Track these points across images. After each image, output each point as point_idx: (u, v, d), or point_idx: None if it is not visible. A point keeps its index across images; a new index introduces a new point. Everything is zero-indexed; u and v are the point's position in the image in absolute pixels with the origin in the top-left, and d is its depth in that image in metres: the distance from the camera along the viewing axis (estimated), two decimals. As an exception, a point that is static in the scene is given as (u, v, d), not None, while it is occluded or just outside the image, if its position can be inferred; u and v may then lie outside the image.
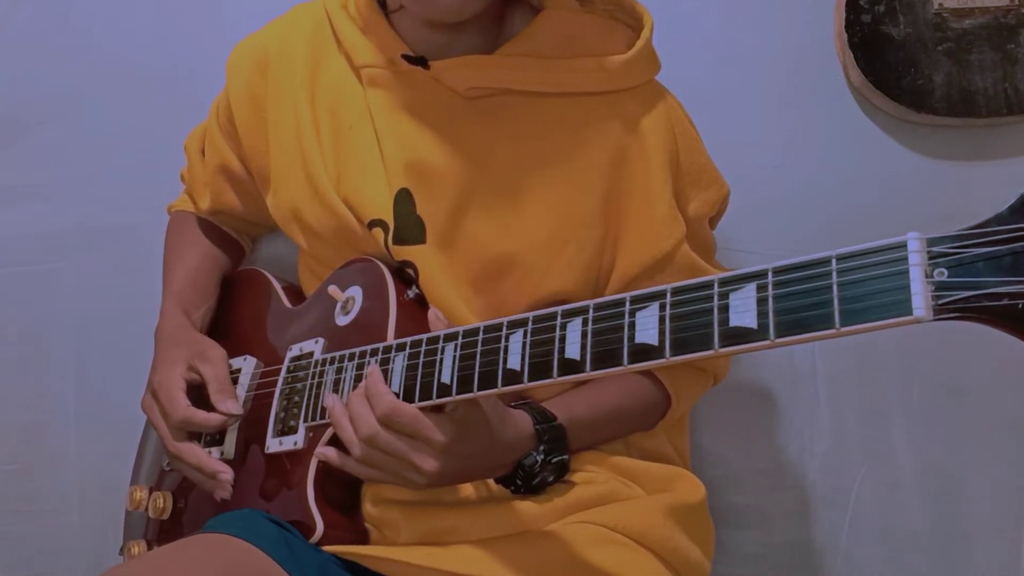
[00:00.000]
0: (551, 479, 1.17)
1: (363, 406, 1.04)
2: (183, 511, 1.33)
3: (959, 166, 1.57)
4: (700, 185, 1.24)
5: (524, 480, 1.15)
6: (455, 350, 1.01)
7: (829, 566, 1.58)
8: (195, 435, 1.26)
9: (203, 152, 1.43)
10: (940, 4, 1.49)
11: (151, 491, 1.35)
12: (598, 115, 1.20)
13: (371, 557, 1.12)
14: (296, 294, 1.40)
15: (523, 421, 1.13)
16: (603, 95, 1.21)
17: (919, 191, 1.56)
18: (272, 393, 1.24)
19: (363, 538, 1.20)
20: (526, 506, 1.19)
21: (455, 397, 0.99)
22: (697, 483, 1.30)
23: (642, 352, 0.84)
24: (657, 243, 1.19)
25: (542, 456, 1.14)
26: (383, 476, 1.06)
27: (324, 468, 1.16)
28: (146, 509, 1.34)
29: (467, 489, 1.23)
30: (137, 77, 1.66)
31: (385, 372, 1.08)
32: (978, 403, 1.56)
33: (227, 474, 1.20)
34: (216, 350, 1.28)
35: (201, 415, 1.21)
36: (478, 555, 1.14)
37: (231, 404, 1.22)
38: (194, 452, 1.22)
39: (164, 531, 1.34)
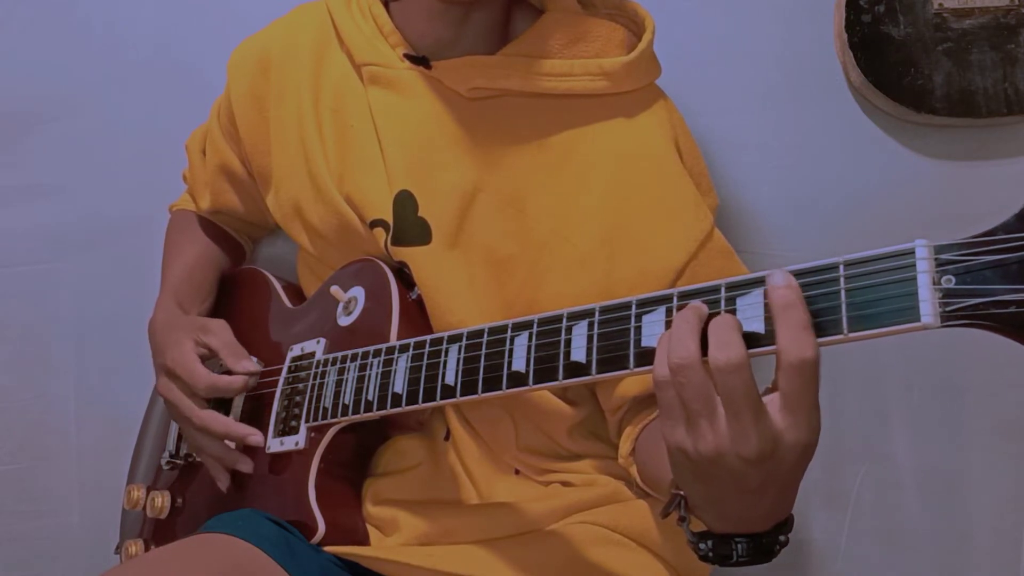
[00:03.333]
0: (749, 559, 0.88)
1: (686, 331, 0.79)
2: (181, 510, 1.33)
3: (959, 166, 1.57)
4: (700, 190, 1.24)
5: (755, 548, 0.86)
6: (459, 352, 1.01)
7: (829, 566, 1.58)
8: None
9: (204, 152, 1.43)
10: (940, 4, 1.49)
11: (148, 490, 1.35)
12: (599, 116, 1.21)
13: (371, 558, 1.12)
14: (296, 294, 1.40)
15: None
16: (603, 97, 1.21)
17: (919, 191, 1.56)
18: (272, 393, 1.24)
19: (364, 538, 1.20)
20: (526, 507, 1.19)
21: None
22: None
23: (648, 356, 0.84)
24: (696, 225, 1.18)
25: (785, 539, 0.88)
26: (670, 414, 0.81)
27: (325, 468, 1.16)
28: (143, 508, 1.34)
29: (467, 489, 1.23)
30: (140, 76, 1.66)
31: (388, 373, 1.09)
32: (978, 403, 1.56)
33: (257, 435, 1.20)
34: (216, 321, 1.30)
35: (225, 379, 1.22)
36: (478, 555, 1.14)
37: (247, 364, 1.23)
38: (220, 420, 1.22)
39: (161, 530, 1.34)
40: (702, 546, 0.86)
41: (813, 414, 0.77)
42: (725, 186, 1.51)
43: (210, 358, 1.26)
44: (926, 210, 1.55)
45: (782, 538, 0.86)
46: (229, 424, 1.22)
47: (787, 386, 0.75)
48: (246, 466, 1.22)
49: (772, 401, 0.77)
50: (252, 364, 1.24)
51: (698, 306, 0.81)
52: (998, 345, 0.75)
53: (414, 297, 1.19)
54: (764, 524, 0.85)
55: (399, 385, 1.07)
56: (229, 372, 1.24)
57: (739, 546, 0.85)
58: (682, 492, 0.87)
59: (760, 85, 1.58)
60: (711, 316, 0.80)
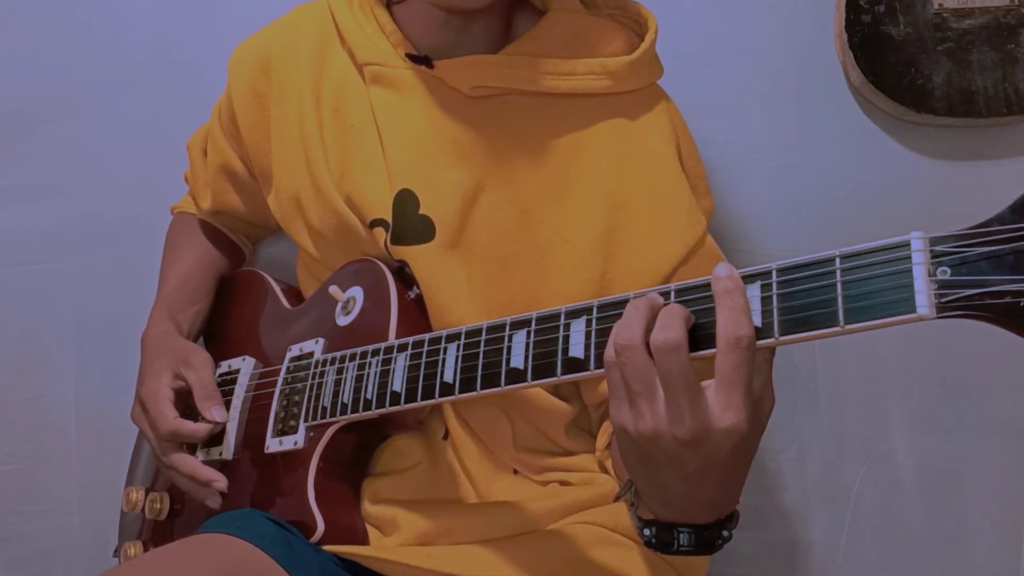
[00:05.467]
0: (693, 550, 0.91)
1: (635, 317, 0.83)
2: (180, 512, 1.33)
3: (959, 166, 1.57)
4: (697, 192, 1.24)
5: (697, 540, 0.90)
6: (457, 350, 1.01)
7: (829, 566, 1.58)
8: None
9: (205, 153, 1.43)
10: (940, 4, 1.49)
11: (147, 492, 1.35)
12: (601, 116, 1.21)
13: (371, 558, 1.12)
14: (295, 295, 1.40)
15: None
16: (606, 96, 1.21)
17: (919, 191, 1.56)
18: (271, 393, 1.24)
19: (363, 538, 1.19)
20: (526, 507, 1.19)
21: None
22: None
23: (646, 351, 0.84)
24: (688, 230, 1.19)
25: (728, 534, 0.91)
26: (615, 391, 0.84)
27: (324, 468, 1.16)
28: (143, 510, 1.34)
29: (466, 488, 1.23)
30: (140, 76, 1.67)
31: (387, 372, 1.09)
32: (978, 403, 1.56)
33: (222, 482, 1.21)
34: (200, 355, 1.29)
35: (189, 427, 1.22)
36: (478, 555, 1.14)
37: (216, 411, 1.23)
38: (187, 462, 1.23)
39: (160, 532, 1.34)
40: (646, 532, 0.90)
41: (749, 402, 0.80)
42: (725, 186, 1.52)
43: (185, 392, 1.26)
44: (926, 210, 1.56)
45: (725, 533, 0.89)
46: (195, 468, 1.22)
47: (723, 365, 0.79)
48: (214, 502, 1.22)
49: (710, 386, 0.80)
50: (221, 412, 1.23)
51: (652, 297, 0.84)
52: (998, 345, 0.75)
53: (413, 296, 1.19)
54: (706, 516, 0.88)
55: (398, 383, 1.07)
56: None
57: (681, 536, 0.89)
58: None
59: (760, 85, 1.59)
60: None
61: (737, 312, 0.78)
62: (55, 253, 1.67)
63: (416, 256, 1.19)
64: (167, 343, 1.32)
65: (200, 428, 1.22)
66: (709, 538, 0.89)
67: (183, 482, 1.24)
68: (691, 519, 0.88)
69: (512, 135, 1.21)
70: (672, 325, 0.80)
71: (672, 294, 0.84)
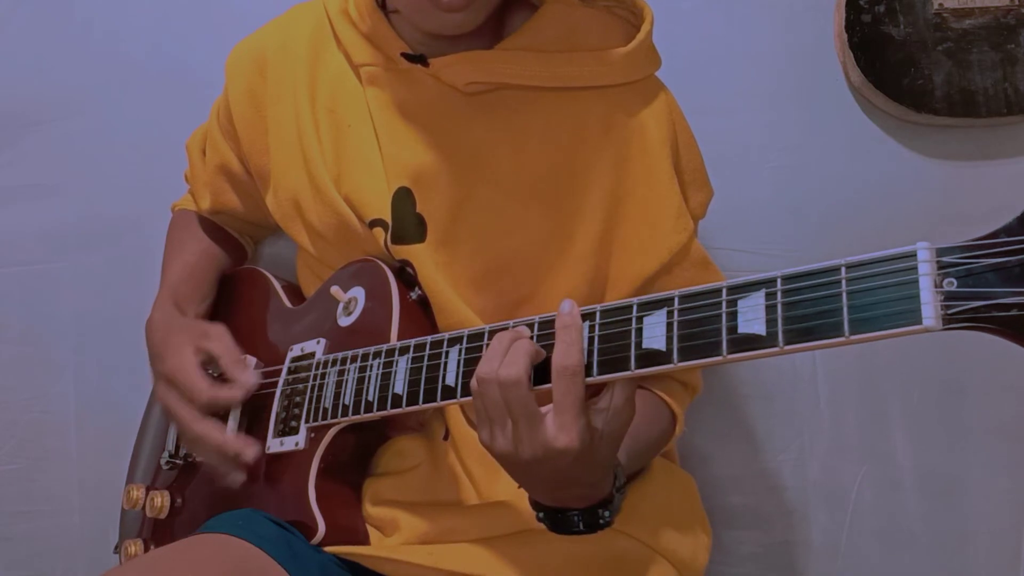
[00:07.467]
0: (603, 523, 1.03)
1: (496, 352, 0.94)
2: (180, 510, 1.33)
3: (959, 166, 1.57)
4: (695, 185, 1.24)
5: (589, 519, 1.01)
6: (459, 354, 1.01)
7: (829, 566, 1.58)
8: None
9: (204, 153, 1.43)
10: (940, 4, 1.49)
11: (148, 490, 1.35)
12: (598, 109, 1.20)
13: (372, 557, 1.12)
14: (296, 294, 1.39)
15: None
16: (602, 89, 1.21)
17: (919, 191, 1.56)
18: (272, 393, 1.24)
19: (364, 539, 1.19)
20: (526, 505, 1.18)
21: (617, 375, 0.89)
22: (688, 477, 1.33)
23: (649, 357, 0.84)
24: (673, 236, 1.19)
25: (619, 496, 1.03)
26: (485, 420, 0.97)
27: (325, 469, 1.16)
28: (143, 508, 1.34)
29: (467, 489, 1.23)
30: (139, 76, 1.66)
31: (388, 374, 1.08)
32: (978, 404, 1.56)
33: (252, 449, 1.19)
34: (217, 326, 1.28)
35: (226, 392, 1.20)
36: (479, 554, 1.14)
37: (248, 375, 1.22)
38: (216, 433, 1.20)
39: (161, 530, 1.34)
40: (539, 515, 1.03)
41: (580, 424, 0.90)
42: (725, 186, 1.50)
43: (210, 364, 1.25)
44: (926, 210, 1.56)
45: (606, 513, 1.01)
46: (226, 437, 1.21)
47: (555, 391, 0.90)
48: (237, 477, 1.21)
49: (550, 409, 0.92)
50: (253, 375, 1.23)
51: (517, 331, 0.96)
52: (998, 346, 0.75)
53: (414, 297, 1.19)
54: (580, 504, 1.00)
55: (399, 386, 1.07)
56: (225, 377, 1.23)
57: (572, 517, 1.01)
58: None
59: (760, 85, 1.59)
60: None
61: (569, 345, 0.90)
62: (55, 253, 1.67)
63: (417, 255, 1.19)
64: (177, 323, 1.31)
65: (236, 393, 1.21)
66: (590, 520, 1.00)
67: (208, 455, 1.23)
68: (568, 506, 1.00)
69: (508, 130, 1.20)
70: (514, 362, 0.91)
71: (676, 300, 0.84)
